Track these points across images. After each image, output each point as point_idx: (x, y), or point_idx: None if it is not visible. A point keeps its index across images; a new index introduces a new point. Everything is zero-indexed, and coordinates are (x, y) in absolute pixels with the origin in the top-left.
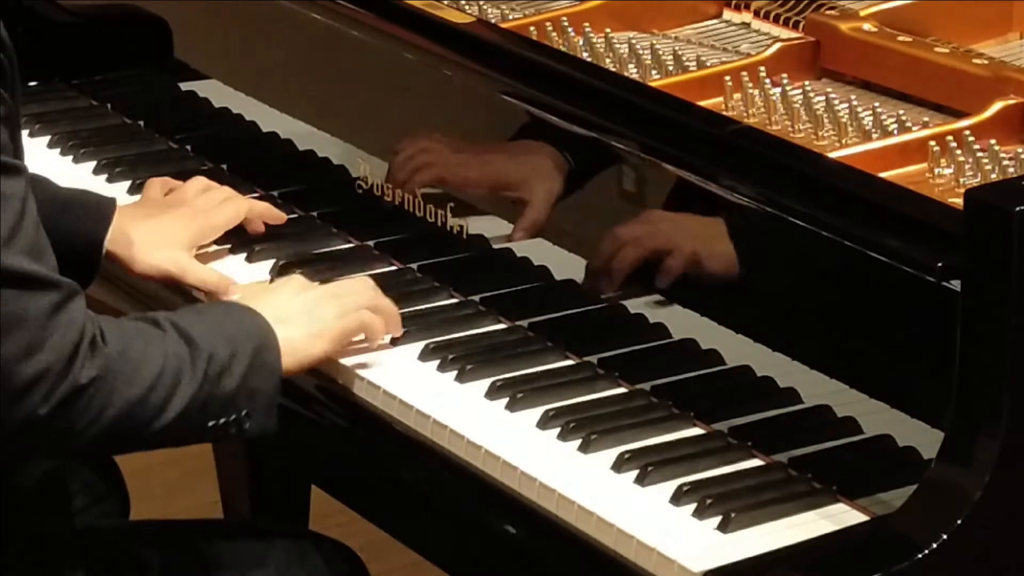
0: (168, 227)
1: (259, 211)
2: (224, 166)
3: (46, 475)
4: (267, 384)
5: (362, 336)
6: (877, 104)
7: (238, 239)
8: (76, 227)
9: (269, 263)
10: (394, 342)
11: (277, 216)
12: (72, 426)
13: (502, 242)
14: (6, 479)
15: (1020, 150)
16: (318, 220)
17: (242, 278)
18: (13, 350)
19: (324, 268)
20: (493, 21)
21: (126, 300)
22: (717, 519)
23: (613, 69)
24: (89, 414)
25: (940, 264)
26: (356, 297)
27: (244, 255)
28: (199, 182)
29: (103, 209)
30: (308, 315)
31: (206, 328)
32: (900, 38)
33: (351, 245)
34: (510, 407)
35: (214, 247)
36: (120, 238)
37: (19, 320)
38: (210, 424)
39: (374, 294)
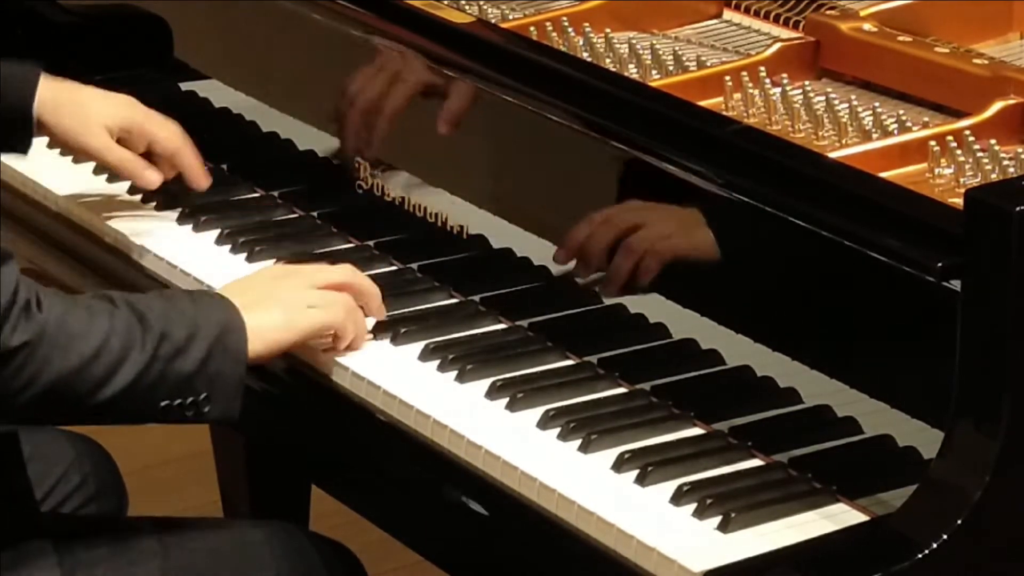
0: (100, 103)
1: (187, 163)
2: (224, 166)
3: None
4: (231, 368)
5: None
6: (877, 104)
7: (239, 240)
8: (4, 95)
9: (270, 263)
10: (394, 342)
11: (198, 176)
12: (5, 389)
13: (502, 241)
14: None
15: (1020, 150)
16: (318, 220)
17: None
18: None
19: None
20: (493, 21)
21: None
22: (717, 519)
23: (613, 69)
24: (21, 378)
25: (940, 264)
26: (333, 297)
27: (244, 255)
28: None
29: (28, 75)
30: (280, 303)
31: (164, 309)
32: (900, 38)
33: (351, 245)
34: (510, 407)
35: (213, 248)
36: (50, 106)
37: None
38: (163, 404)
39: (351, 303)
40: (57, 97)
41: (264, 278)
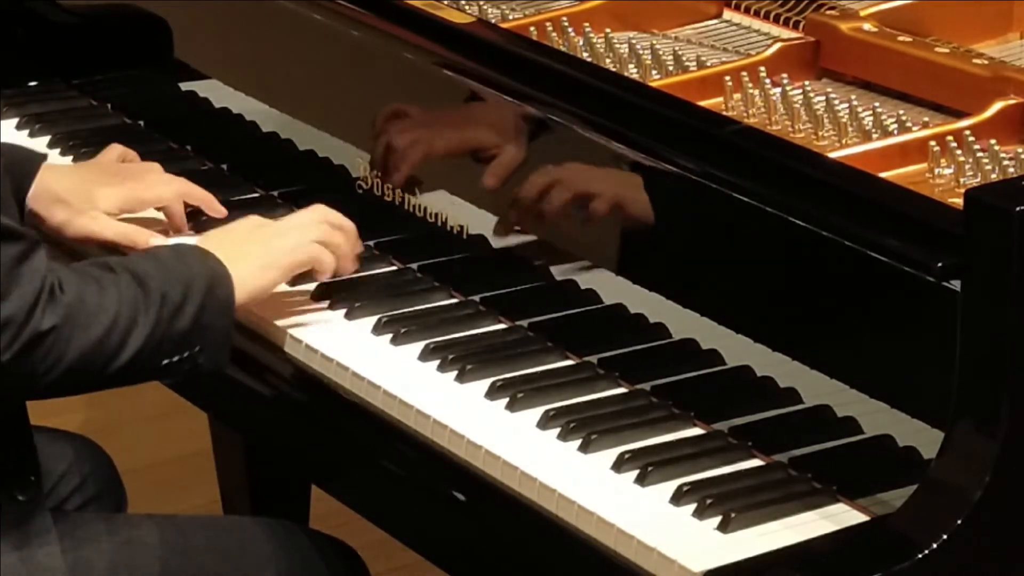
0: (93, 189)
1: (198, 197)
2: (224, 166)
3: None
4: (220, 320)
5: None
6: (877, 104)
7: None
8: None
9: None
10: (394, 342)
11: (216, 210)
12: (33, 371)
13: (502, 241)
14: None
15: (1020, 150)
16: None
17: None
18: None
19: None
20: (493, 21)
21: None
22: (717, 519)
23: (613, 69)
24: (49, 360)
25: (940, 264)
26: (309, 230)
27: None
28: (152, 164)
29: (29, 165)
30: (260, 249)
31: (159, 271)
32: (900, 38)
33: None
34: (510, 407)
35: None
36: (43, 195)
37: None
38: (164, 363)
39: (328, 229)
40: (55, 190)
41: (242, 230)
